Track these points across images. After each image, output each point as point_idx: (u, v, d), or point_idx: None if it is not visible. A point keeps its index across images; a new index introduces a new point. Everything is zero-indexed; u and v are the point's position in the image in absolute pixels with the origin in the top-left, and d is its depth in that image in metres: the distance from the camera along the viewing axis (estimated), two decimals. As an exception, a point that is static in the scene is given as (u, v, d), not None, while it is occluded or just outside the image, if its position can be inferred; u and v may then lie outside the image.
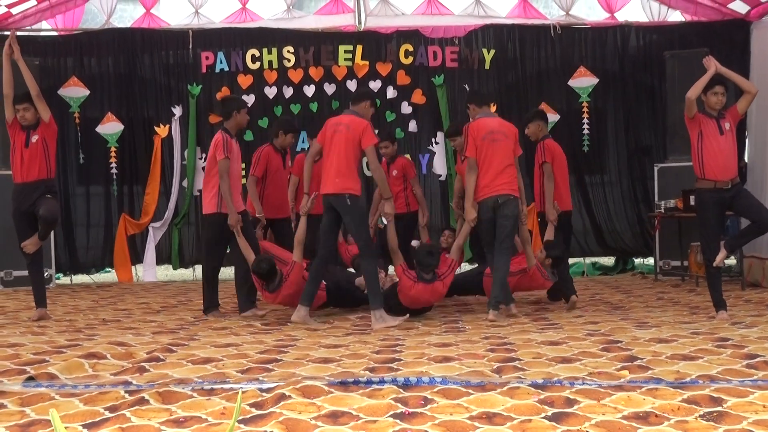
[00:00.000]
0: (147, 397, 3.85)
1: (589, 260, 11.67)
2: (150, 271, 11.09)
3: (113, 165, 11.03)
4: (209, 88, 11.10)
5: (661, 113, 10.94)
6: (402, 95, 11.17)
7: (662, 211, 9.68)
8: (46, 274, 8.28)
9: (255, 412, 3.63)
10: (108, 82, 11.11)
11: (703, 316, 6.74)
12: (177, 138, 10.98)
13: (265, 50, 11.05)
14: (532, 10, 11.55)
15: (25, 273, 7.77)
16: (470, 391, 3.89)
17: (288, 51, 11.04)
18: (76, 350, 5.34)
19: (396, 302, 7.03)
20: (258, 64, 11.04)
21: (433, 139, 11.23)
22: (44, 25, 11.11)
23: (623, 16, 11.49)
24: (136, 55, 11.12)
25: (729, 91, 6.71)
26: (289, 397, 3.77)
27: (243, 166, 8.55)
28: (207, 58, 11.04)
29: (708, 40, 10.54)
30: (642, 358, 4.76)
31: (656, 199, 10.07)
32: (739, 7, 10.52)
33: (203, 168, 8.29)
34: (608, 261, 12.00)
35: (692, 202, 7.55)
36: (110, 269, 11.45)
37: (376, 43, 11.16)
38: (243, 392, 3.91)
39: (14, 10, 10.28)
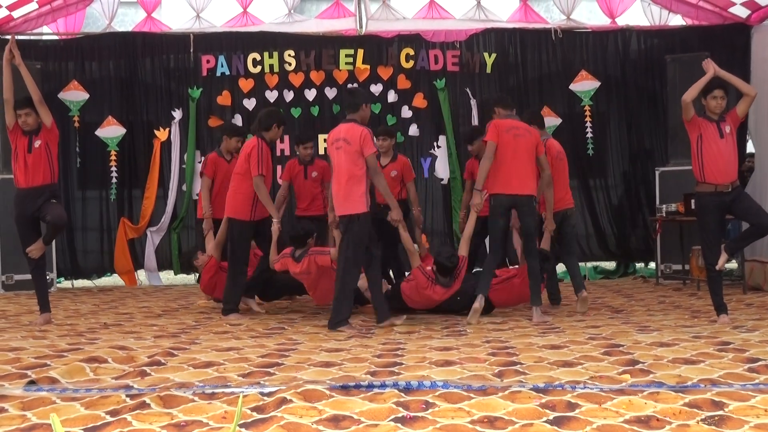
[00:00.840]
0: (148, 401, 3.85)
1: (590, 264, 11.66)
2: (154, 275, 11.10)
3: (113, 169, 11.04)
4: (209, 92, 11.11)
5: (662, 117, 10.94)
6: (403, 99, 11.17)
7: (663, 214, 9.69)
8: (47, 278, 8.27)
9: (256, 416, 3.62)
10: (109, 86, 11.12)
11: (704, 319, 6.73)
12: (176, 141, 10.98)
13: (266, 54, 11.05)
14: (533, 14, 11.56)
15: (27, 277, 7.77)
16: (471, 395, 3.89)
17: (289, 55, 11.05)
18: (78, 354, 5.34)
19: (397, 303, 7.06)
20: (259, 67, 11.05)
21: (434, 143, 11.23)
22: (45, 29, 11.12)
23: (624, 20, 11.50)
24: (137, 58, 11.13)
25: (730, 95, 6.70)
26: (291, 401, 3.77)
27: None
28: (208, 61, 11.05)
29: (709, 44, 10.55)
30: (643, 362, 4.76)
31: (657, 202, 10.07)
32: (740, 11, 10.53)
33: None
34: (610, 265, 11.99)
35: (693, 206, 7.54)
36: (111, 274, 11.45)
37: (377, 47, 11.17)
38: (244, 396, 3.90)
39: (15, 14, 10.29)
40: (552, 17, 12.74)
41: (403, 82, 11.15)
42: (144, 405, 3.80)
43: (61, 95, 10.80)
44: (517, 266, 7.59)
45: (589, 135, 11.25)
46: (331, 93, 11.11)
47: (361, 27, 11.16)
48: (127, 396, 4.00)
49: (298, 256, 7.17)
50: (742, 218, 6.82)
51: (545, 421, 3.48)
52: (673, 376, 4.38)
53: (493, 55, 11.23)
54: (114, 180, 11.05)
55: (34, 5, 10.25)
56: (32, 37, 11.06)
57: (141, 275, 11.30)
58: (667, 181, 10.02)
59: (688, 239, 9.42)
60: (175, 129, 11.00)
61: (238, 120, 11.02)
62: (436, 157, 11.21)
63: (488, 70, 11.23)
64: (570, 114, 11.27)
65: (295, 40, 11.12)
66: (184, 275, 11.32)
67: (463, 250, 7.17)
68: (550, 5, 13.35)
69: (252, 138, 7.69)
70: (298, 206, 9.01)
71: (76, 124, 10.94)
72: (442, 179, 11.19)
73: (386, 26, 11.14)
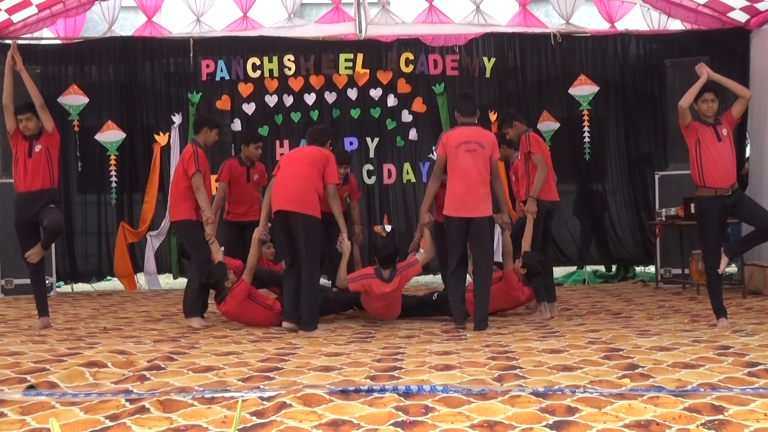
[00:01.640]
0: (148, 405, 3.85)
1: (590, 268, 11.66)
2: (154, 279, 11.09)
3: (113, 173, 11.05)
4: (209, 96, 11.12)
5: (661, 121, 10.95)
6: (402, 103, 11.19)
7: (663, 218, 9.69)
8: (47, 282, 8.28)
9: (256, 420, 3.62)
10: (109, 91, 11.13)
11: (704, 324, 6.73)
12: (176, 146, 10.97)
13: (265, 58, 11.06)
14: (533, 18, 11.57)
15: (26, 281, 7.78)
16: (471, 399, 3.88)
17: (289, 59, 11.06)
18: (77, 359, 5.34)
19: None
20: (259, 72, 11.06)
21: (433, 147, 11.22)
22: (45, 33, 11.13)
23: (623, 24, 11.51)
24: (136, 63, 11.15)
25: (727, 98, 6.71)
26: (290, 405, 3.77)
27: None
28: (207, 66, 11.06)
29: (708, 48, 10.57)
30: (643, 366, 4.76)
31: (657, 206, 10.08)
32: (739, 15, 10.55)
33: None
34: (609, 269, 11.98)
35: (693, 210, 7.54)
36: (111, 278, 11.45)
37: (377, 52, 11.18)
38: (243, 401, 3.90)
39: (15, 18, 10.30)
40: (551, 22, 12.74)
41: (402, 87, 11.17)
42: (143, 409, 3.79)
43: (61, 99, 10.80)
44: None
45: (588, 139, 11.26)
46: (330, 97, 11.12)
47: (360, 31, 11.17)
48: (126, 400, 3.99)
49: (389, 276, 7.10)
50: (747, 222, 6.79)
51: (545, 426, 3.48)
52: (673, 381, 4.37)
53: (493, 60, 11.25)
54: (114, 184, 11.06)
55: (33, 9, 10.26)
56: (32, 42, 11.08)
57: (141, 279, 11.30)
58: (666, 185, 10.04)
59: (688, 243, 9.43)
60: (174, 133, 11.01)
61: (237, 125, 11.03)
62: (435, 161, 11.19)
63: (487, 75, 11.25)
64: (569, 118, 11.28)
65: (295, 45, 11.13)
66: (184, 278, 11.30)
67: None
68: (549, 10, 13.35)
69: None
70: (233, 211, 8.41)
71: (76, 129, 10.95)
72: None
73: (386, 31, 11.15)
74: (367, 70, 11.10)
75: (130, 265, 11.05)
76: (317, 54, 11.11)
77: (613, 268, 11.68)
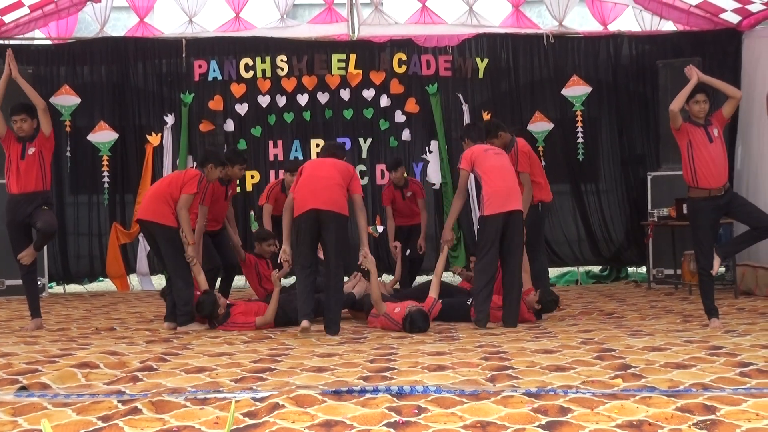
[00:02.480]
0: (140, 406, 3.84)
1: (582, 269, 11.68)
2: (146, 280, 11.07)
3: (105, 174, 11.02)
4: (202, 97, 11.10)
5: (654, 122, 10.98)
6: (395, 104, 11.20)
7: (655, 219, 9.72)
8: (39, 283, 8.26)
9: (248, 421, 3.62)
10: (101, 91, 11.11)
11: (696, 324, 6.75)
12: (168, 146, 10.96)
13: (258, 59, 11.05)
14: (525, 19, 11.58)
15: (18, 282, 7.75)
16: (464, 399, 3.88)
17: (281, 60, 11.05)
18: (69, 359, 5.32)
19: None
20: (251, 72, 11.05)
21: (426, 148, 11.25)
22: (37, 33, 11.10)
23: (616, 26, 11.53)
24: (129, 63, 11.12)
25: (718, 98, 6.73)
26: (283, 406, 3.76)
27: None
28: (200, 66, 11.04)
29: (700, 49, 10.62)
30: (635, 367, 4.77)
31: (649, 207, 10.09)
32: (731, 17, 10.58)
33: None
34: (602, 269, 12.00)
35: (685, 211, 7.56)
36: (103, 279, 11.42)
37: (370, 52, 11.17)
38: (236, 401, 3.89)
39: (7, 18, 10.27)
40: (544, 23, 12.77)
41: (395, 87, 11.17)
42: (136, 410, 3.79)
43: (53, 100, 10.76)
44: None
45: (581, 140, 11.28)
46: (323, 98, 11.12)
47: (353, 32, 11.18)
48: (118, 401, 3.98)
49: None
50: (744, 222, 6.77)
51: (538, 426, 3.48)
52: (665, 381, 4.38)
53: (485, 61, 11.25)
54: (106, 185, 11.03)
55: (25, 10, 10.23)
56: (24, 42, 11.03)
57: (133, 280, 11.27)
58: (658, 185, 10.05)
59: (680, 244, 9.46)
60: (167, 134, 10.98)
61: (229, 125, 11.02)
62: (428, 162, 11.22)
63: (480, 76, 11.26)
64: (562, 119, 11.29)
65: (288, 45, 11.12)
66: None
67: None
68: (542, 11, 13.39)
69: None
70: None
71: (68, 129, 10.92)
72: (434, 184, 11.20)
73: (379, 31, 11.15)
74: (360, 71, 11.10)
75: (123, 265, 11.01)
76: (310, 54, 11.10)
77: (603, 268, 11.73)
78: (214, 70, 11.04)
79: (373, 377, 4.66)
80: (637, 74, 11.37)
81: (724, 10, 10.42)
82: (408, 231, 9.57)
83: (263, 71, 11.04)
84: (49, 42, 11.23)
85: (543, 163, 9.77)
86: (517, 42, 11.35)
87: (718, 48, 10.79)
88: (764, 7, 9.95)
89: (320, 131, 11.04)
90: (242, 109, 11.04)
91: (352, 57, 11.09)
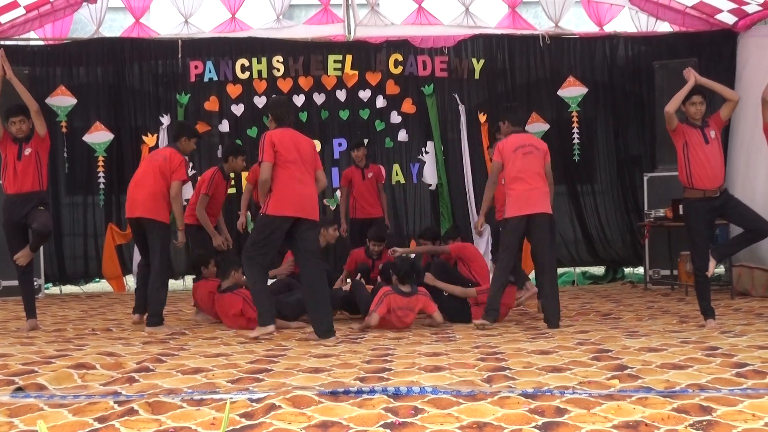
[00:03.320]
0: (136, 407, 3.83)
1: (579, 269, 11.69)
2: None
3: (101, 174, 11.01)
4: (197, 98, 11.09)
5: (650, 123, 10.99)
6: (391, 105, 11.20)
7: (652, 220, 9.73)
8: (35, 284, 8.26)
9: (245, 422, 3.61)
10: (96, 92, 11.10)
11: (692, 324, 6.76)
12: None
13: (254, 60, 11.05)
14: (522, 20, 11.60)
15: (14, 283, 7.75)
16: (461, 400, 3.88)
17: (277, 60, 11.05)
18: (65, 360, 5.31)
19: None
20: (247, 73, 11.04)
21: (423, 149, 11.25)
22: (33, 34, 11.08)
23: (612, 27, 11.56)
24: (124, 64, 11.10)
25: (714, 100, 6.74)
26: (279, 407, 3.76)
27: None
28: (196, 67, 11.03)
29: (696, 50, 10.64)
30: (632, 367, 4.77)
31: (646, 208, 10.11)
32: (727, 18, 10.60)
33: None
34: (598, 270, 12.02)
35: (681, 212, 7.57)
36: (99, 280, 11.40)
37: (366, 53, 11.18)
38: (232, 402, 3.89)
39: (2, 19, 10.25)
40: (540, 24, 12.78)
41: (391, 88, 11.17)
42: (132, 411, 3.78)
43: (49, 100, 10.75)
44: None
45: (577, 141, 11.29)
46: (319, 99, 11.12)
47: (349, 33, 11.17)
48: (115, 402, 3.98)
49: (409, 291, 6.97)
50: (738, 224, 6.78)
51: (534, 427, 3.48)
52: (662, 381, 4.38)
53: (482, 61, 11.27)
54: (102, 185, 11.02)
55: (21, 11, 10.20)
56: (20, 43, 11.02)
57: (129, 281, 11.25)
58: (655, 186, 10.07)
59: (676, 244, 9.46)
60: (163, 135, 10.95)
61: (225, 126, 11.02)
62: (425, 162, 11.22)
63: (476, 76, 11.27)
64: (558, 120, 11.31)
65: (284, 46, 11.12)
66: (172, 280, 11.26)
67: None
68: (538, 12, 13.41)
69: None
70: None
71: (64, 130, 10.92)
72: (430, 185, 11.21)
73: (375, 32, 11.16)
74: (356, 72, 11.10)
75: (119, 266, 11.00)
76: (306, 55, 11.10)
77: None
78: (209, 71, 11.03)
79: (370, 378, 4.66)
80: (633, 75, 11.39)
81: (720, 11, 10.45)
82: (361, 225, 9.52)
83: (259, 72, 11.04)
84: (44, 43, 11.20)
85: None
86: (513, 43, 11.36)
87: (714, 49, 10.82)
88: (760, 8, 9.98)
89: (316, 132, 11.04)
90: (238, 110, 11.03)
91: (348, 58, 11.09)
